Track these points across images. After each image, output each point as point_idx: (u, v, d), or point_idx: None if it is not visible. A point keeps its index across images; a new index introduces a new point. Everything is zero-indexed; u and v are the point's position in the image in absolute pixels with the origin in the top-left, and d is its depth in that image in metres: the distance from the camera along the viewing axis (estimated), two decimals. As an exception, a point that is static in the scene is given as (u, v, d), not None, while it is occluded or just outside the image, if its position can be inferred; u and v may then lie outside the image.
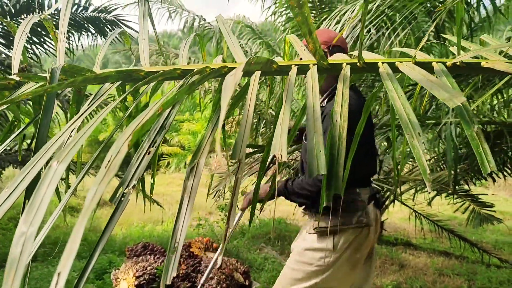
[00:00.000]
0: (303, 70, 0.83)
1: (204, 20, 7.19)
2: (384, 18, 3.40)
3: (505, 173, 4.71)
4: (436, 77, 0.76)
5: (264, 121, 5.86)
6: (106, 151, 0.84)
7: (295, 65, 0.82)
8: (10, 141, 0.70)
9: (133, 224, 7.06)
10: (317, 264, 1.77)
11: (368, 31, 3.36)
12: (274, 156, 0.63)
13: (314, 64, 0.82)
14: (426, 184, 0.56)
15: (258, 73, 0.74)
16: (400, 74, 0.87)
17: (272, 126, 5.81)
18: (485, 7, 3.73)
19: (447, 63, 0.83)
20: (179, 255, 0.54)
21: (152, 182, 1.35)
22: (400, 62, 0.82)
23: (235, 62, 0.92)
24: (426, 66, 0.84)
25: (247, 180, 3.98)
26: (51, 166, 0.48)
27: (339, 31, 3.30)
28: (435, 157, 5.34)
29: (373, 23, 3.34)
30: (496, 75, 3.38)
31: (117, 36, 4.92)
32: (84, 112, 0.64)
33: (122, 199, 0.61)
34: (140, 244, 2.50)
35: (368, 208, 1.81)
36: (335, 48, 1.82)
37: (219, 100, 0.95)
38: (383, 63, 0.82)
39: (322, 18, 3.86)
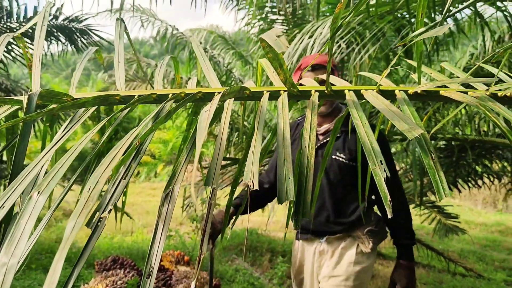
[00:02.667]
0: (274, 96, 0.87)
1: (177, 29, 7.19)
2: (354, 34, 3.51)
3: (469, 184, 4.89)
4: (398, 106, 0.81)
5: (237, 132, 5.89)
6: (80, 162, 0.86)
7: (267, 91, 0.86)
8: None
9: (102, 235, 6.93)
10: (368, 273, 1.98)
11: (339, 46, 3.46)
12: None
13: (285, 91, 0.86)
14: (387, 210, 0.60)
15: (231, 101, 0.77)
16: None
17: (245, 137, 5.85)
18: (448, 24, 3.88)
19: (409, 91, 0.88)
20: (154, 279, 0.57)
21: (123, 200, 1.35)
22: (366, 90, 0.87)
23: (209, 86, 0.95)
24: (390, 94, 0.89)
25: (219, 192, 4.00)
26: (31, 197, 0.49)
27: (311, 46, 3.38)
28: (403, 169, 5.49)
29: (344, 39, 3.44)
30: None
31: (87, 45, 4.88)
32: (59, 140, 0.65)
33: (99, 224, 0.62)
34: (110, 258, 2.47)
35: None
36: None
37: (192, 122, 0.98)
38: (349, 90, 0.87)
39: (295, 33, 3.94)
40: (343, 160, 1.93)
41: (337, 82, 0.94)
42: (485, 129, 4.25)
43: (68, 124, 0.74)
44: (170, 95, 0.82)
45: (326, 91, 0.87)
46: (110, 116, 0.67)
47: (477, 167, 4.76)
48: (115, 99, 0.81)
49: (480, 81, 0.81)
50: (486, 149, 3.97)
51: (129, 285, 2.23)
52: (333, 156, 1.94)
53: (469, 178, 4.86)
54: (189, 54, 6.99)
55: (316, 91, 0.86)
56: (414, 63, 1.11)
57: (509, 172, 4.87)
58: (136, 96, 0.82)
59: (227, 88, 0.70)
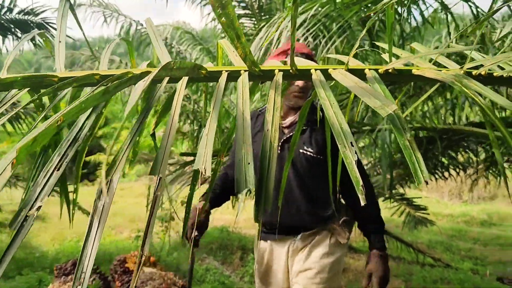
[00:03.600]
0: (234, 76, 0.78)
1: (141, 25, 7.01)
2: (321, 27, 3.46)
3: (436, 176, 4.96)
4: (369, 84, 0.74)
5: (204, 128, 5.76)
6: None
7: (226, 71, 0.78)
8: None
9: (67, 239, 6.69)
10: (341, 263, 1.94)
11: (306, 39, 3.40)
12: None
13: (245, 71, 0.78)
14: (359, 196, 0.53)
15: (185, 79, 0.69)
16: (334, 81, 0.85)
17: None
18: (415, 18, 3.91)
19: (380, 70, 0.81)
20: (87, 283, 0.47)
21: (74, 195, 1.24)
22: (333, 69, 0.80)
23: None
24: (359, 73, 0.82)
25: (186, 189, 3.88)
26: None
27: (277, 39, 3.31)
28: (372, 162, 5.51)
29: (310, 32, 3.38)
30: (427, 83, 3.55)
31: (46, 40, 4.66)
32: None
33: (24, 223, 0.53)
34: (70, 262, 2.33)
35: None
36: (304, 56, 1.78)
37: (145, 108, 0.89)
38: (316, 70, 0.80)
39: (261, 26, 3.87)
40: (311, 154, 1.85)
41: (303, 63, 0.86)
42: (451, 121, 4.30)
43: (-7, 109, 0.64)
44: (114, 76, 0.73)
45: (291, 71, 0.79)
46: (39, 94, 0.57)
47: (443, 159, 4.82)
48: (52, 81, 0.71)
49: (455, 50, 0.75)
50: (453, 140, 4.02)
51: (90, 289, 2.11)
52: (301, 150, 1.86)
53: (436, 170, 4.92)
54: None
55: (280, 70, 0.79)
56: (385, 46, 1.04)
57: (474, 163, 4.95)
58: (74, 77, 0.72)
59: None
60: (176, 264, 4.58)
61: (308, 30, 3.33)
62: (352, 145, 0.59)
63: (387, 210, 5.58)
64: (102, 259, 5.10)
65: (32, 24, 4.31)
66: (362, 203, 0.53)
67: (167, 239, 5.37)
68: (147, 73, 0.73)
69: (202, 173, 0.50)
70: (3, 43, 4.33)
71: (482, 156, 4.81)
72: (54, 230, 7.10)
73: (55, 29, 4.43)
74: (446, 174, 4.99)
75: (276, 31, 3.35)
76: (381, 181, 4.89)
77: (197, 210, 1.82)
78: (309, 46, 3.39)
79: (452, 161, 4.90)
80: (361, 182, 0.54)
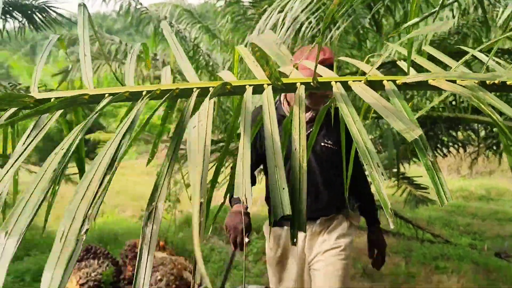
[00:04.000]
0: (258, 90, 0.81)
1: (141, 4, 6.94)
2: (325, 9, 3.44)
3: (437, 153, 5.02)
4: (380, 94, 0.77)
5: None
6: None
7: (249, 85, 0.80)
8: None
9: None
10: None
11: (310, 23, 3.39)
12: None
13: (268, 84, 0.80)
14: (389, 219, 0.57)
15: (212, 101, 0.71)
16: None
17: (224, 115, 5.71)
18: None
19: (397, 82, 0.84)
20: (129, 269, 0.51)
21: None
22: (353, 81, 0.83)
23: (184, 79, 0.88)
24: (377, 84, 0.85)
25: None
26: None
27: (282, 22, 3.30)
28: (372, 140, 5.55)
29: (314, 15, 3.36)
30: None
31: (46, 23, 4.61)
32: (22, 153, 0.58)
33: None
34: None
35: None
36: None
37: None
38: (336, 82, 0.82)
39: (263, 9, 3.84)
40: (331, 146, 1.98)
41: (323, 73, 0.89)
42: (451, 99, 4.32)
43: (31, 132, 0.67)
44: (144, 93, 0.76)
45: (312, 83, 0.82)
46: (78, 130, 0.60)
47: (443, 138, 4.87)
48: (84, 99, 0.74)
49: (477, 77, 0.78)
50: (455, 122, 4.05)
51: (104, 275, 2.17)
52: (322, 144, 1.98)
53: (437, 149, 4.97)
54: (154, 29, 6.81)
55: (301, 83, 0.81)
56: (404, 51, 1.06)
57: (473, 141, 5.01)
58: (106, 95, 0.75)
59: (212, 91, 0.64)
60: (182, 245, 4.66)
61: (313, 13, 3.31)
62: (379, 166, 0.62)
63: (389, 189, 5.65)
64: (108, 238, 5.19)
65: (33, 8, 4.27)
66: (391, 226, 0.56)
67: (173, 218, 5.43)
68: (176, 89, 0.76)
69: (243, 202, 0.53)
70: (4, 27, 4.30)
71: (482, 133, 4.87)
72: (58, 210, 7.17)
73: (56, 13, 4.40)
74: (445, 151, 5.05)
75: (281, 11, 3.33)
76: (383, 159, 4.94)
77: (241, 215, 1.89)
78: (313, 29, 3.37)
79: (452, 138, 4.95)
80: (389, 205, 0.58)
